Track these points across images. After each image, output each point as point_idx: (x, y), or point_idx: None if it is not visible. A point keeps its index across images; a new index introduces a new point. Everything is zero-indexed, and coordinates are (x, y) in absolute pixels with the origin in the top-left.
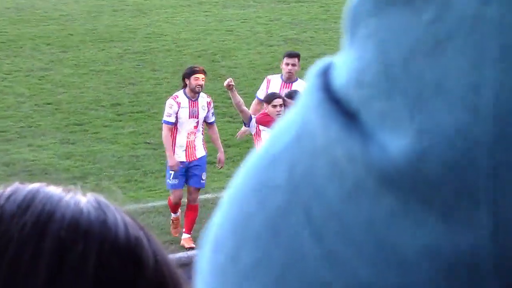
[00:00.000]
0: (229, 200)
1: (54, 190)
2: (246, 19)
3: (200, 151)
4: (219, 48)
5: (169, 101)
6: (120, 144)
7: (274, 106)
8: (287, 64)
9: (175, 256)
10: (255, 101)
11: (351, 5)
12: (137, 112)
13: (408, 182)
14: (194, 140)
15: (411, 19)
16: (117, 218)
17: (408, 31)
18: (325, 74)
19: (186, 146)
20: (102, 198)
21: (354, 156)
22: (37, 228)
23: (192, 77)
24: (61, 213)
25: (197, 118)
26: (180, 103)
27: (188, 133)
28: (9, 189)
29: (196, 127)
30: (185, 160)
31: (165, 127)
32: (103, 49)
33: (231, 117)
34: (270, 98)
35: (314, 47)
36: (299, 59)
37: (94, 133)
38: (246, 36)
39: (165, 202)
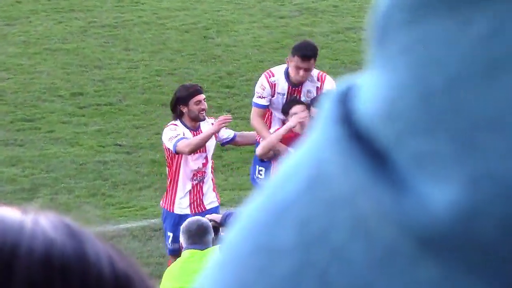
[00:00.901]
0: (219, 266)
1: (9, 214)
2: None
3: (210, 199)
4: (214, 20)
5: (170, 128)
6: (83, 147)
7: (295, 112)
8: (298, 68)
9: None
10: (256, 111)
11: (379, 12)
12: (104, 105)
13: (455, 245)
14: (202, 185)
15: (457, 32)
16: (97, 249)
17: (453, 48)
18: (345, 101)
19: (192, 193)
20: (69, 220)
21: (385, 211)
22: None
23: (192, 102)
24: (26, 247)
25: (205, 152)
26: (184, 133)
27: (194, 174)
28: None
29: (205, 164)
30: (189, 213)
31: (181, 144)
32: (61, 22)
33: (228, 111)
34: (288, 106)
35: (338, 19)
36: (315, 59)
37: (49, 131)
38: (249, 4)
39: (141, 223)
